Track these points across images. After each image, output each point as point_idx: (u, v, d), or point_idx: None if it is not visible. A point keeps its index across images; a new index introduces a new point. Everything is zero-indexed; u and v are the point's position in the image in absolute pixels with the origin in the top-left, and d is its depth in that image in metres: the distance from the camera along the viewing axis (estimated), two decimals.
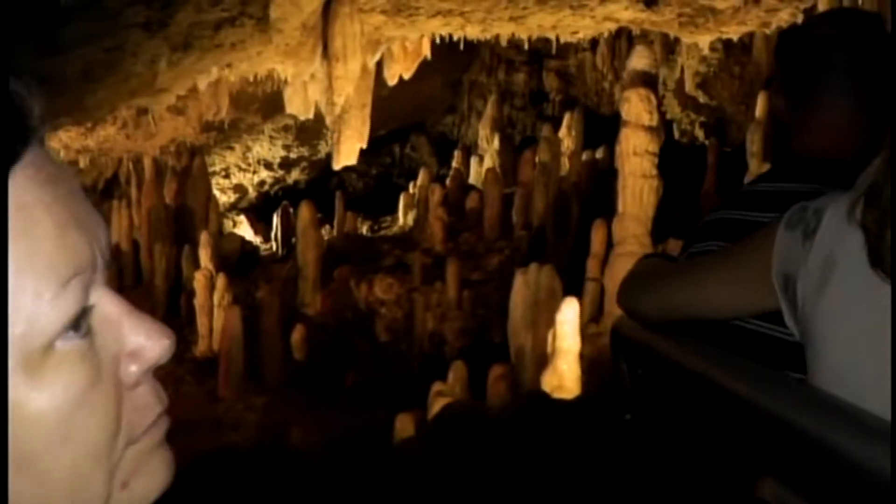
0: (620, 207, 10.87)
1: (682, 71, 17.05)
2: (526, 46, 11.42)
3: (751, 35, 17.40)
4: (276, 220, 16.38)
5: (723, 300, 1.03)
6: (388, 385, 12.58)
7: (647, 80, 10.57)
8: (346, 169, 19.82)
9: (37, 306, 0.40)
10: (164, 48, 7.34)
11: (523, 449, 5.52)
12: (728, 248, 1.07)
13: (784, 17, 7.46)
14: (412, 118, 18.90)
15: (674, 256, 1.41)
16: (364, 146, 9.48)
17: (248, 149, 17.14)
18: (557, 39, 9.05)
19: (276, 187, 18.35)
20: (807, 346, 0.91)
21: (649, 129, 10.39)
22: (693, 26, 7.73)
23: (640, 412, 1.25)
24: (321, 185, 18.82)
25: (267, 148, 17.14)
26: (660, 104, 17.93)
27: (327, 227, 17.02)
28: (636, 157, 10.47)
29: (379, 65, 8.58)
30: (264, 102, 14.02)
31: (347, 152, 9.18)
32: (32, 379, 0.40)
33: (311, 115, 9.32)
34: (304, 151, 17.57)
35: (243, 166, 17.58)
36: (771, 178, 1.33)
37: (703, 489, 1.07)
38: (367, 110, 9.01)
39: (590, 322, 11.29)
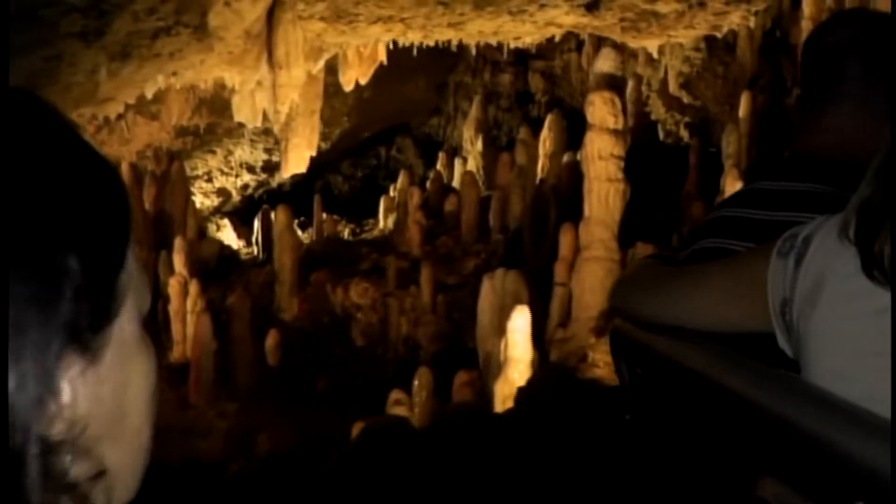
0: (587, 211, 10.75)
1: (666, 71, 16.89)
2: (512, 46, 11.36)
3: (734, 34, 17.30)
4: (256, 223, 16.31)
5: (713, 318, 1.06)
6: (362, 390, 12.50)
7: (613, 83, 10.44)
8: (332, 171, 19.79)
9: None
10: (102, 57, 7.28)
11: (442, 466, 5.43)
12: (723, 265, 1.10)
13: (735, 21, 7.33)
14: (397, 120, 18.81)
15: (674, 257, 1.40)
16: (314, 154, 9.40)
17: (230, 152, 17.10)
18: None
19: (259, 190, 18.30)
20: (801, 361, 0.93)
21: (614, 132, 10.26)
22: (636, 31, 7.60)
23: (640, 412, 1.26)
24: (306, 187, 18.76)
25: (248, 151, 17.09)
26: (644, 105, 17.84)
27: (311, 230, 16.98)
28: (601, 160, 10.35)
29: (334, 70, 8.57)
30: None
31: (296, 160, 9.10)
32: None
33: (259, 124, 9.25)
34: None
35: (226, 170, 17.54)
36: (773, 177, 1.33)
37: (703, 489, 1.07)
38: (317, 118, 8.93)
39: (558, 327, 11.18)
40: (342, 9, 6.93)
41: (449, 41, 8.43)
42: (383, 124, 18.55)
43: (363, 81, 9.45)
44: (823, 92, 1.30)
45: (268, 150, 17.17)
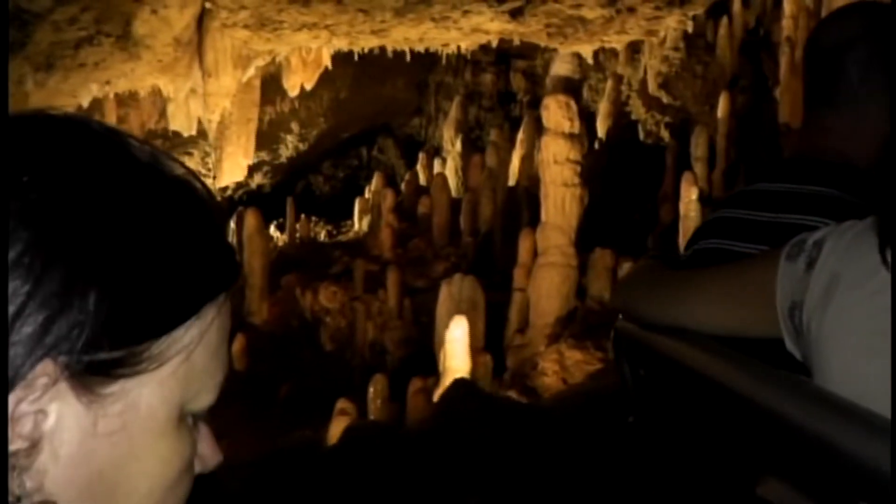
0: (543, 217, 10.63)
1: (646, 71, 16.67)
2: (494, 45, 11.21)
3: (715, 33, 17.07)
4: (232, 225, 16.24)
5: (716, 323, 1.06)
6: (327, 395, 12.41)
7: (569, 87, 10.29)
8: (313, 172, 19.73)
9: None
10: (27, 68, 7.21)
11: (349, 485, 5.33)
12: (727, 270, 1.10)
13: (671, 24, 7.17)
14: (377, 120, 18.72)
15: (675, 258, 1.41)
16: (250, 162, 9.29)
17: (207, 154, 17.04)
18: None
19: (239, 192, 18.26)
20: (811, 363, 0.93)
21: (570, 136, 10.11)
22: (562, 37, 7.44)
23: (643, 413, 1.26)
24: (288, 188, 18.71)
25: None
26: (625, 105, 17.64)
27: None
28: (557, 165, 10.21)
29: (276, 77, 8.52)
30: None
31: (231, 169, 9.01)
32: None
33: (194, 132, 9.16)
34: (264, 156, 17.44)
35: (204, 172, 17.47)
36: (772, 178, 1.32)
37: (706, 489, 1.08)
38: (253, 126, 8.83)
39: (516, 333, 11.06)
40: (266, 16, 6.83)
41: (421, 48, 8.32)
42: (363, 124, 18.46)
43: (308, 86, 9.35)
44: (822, 93, 1.29)
45: None
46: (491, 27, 7.21)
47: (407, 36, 7.48)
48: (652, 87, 16.62)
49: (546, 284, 10.19)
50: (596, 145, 16.64)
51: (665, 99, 16.60)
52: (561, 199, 10.22)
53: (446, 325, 10.93)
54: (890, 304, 0.80)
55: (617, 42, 8.18)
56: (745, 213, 1.28)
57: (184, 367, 0.50)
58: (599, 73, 18.56)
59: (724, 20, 16.55)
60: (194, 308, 0.50)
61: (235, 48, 7.37)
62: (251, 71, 8.25)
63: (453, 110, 17.79)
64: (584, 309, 10.28)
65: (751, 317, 1.01)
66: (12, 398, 0.45)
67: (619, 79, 17.42)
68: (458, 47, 14.71)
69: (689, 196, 9.32)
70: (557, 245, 10.19)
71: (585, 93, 17.91)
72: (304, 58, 8.63)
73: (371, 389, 10.45)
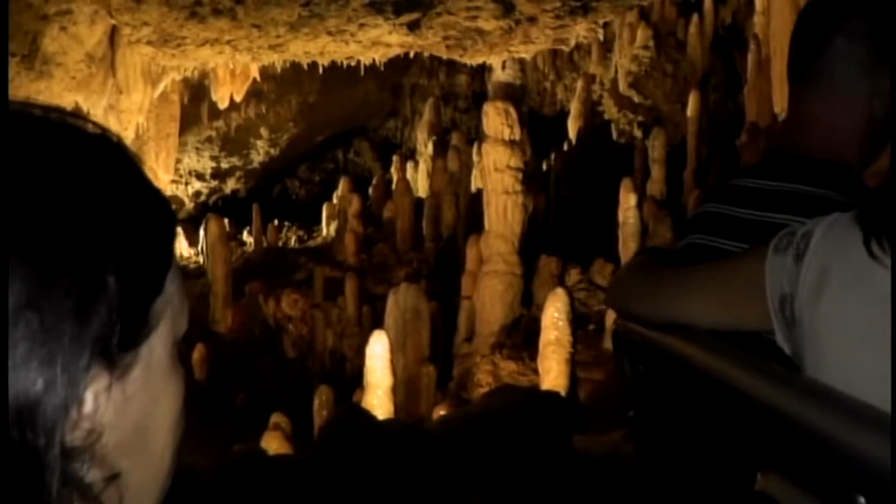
0: (486, 225, 10.51)
1: (617, 70, 16.49)
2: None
3: (685, 31, 16.84)
4: (202, 232, 16.22)
5: (708, 319, 1.07)
6: (286, 404, 12.35)
7: (510, 93, 10.15)
8: (289, 176, 19.67)
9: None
10: None
11: None
12: (716, 266, 1.10)
13: (581, 32, 7.01)
14: (352, 123, 18.62)
15: (669, 251, 1.39)
16: (171, 178, 9.22)
17: (178, 160, 17.02)
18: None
19: (213, 197, 18.23)
20: (804, 355, 0.93)
21: (510, 143, 9.97)
22: (462, 49, 7.31)
23: (643, 409, 1.27)
24: (264, 192, 18.67)
25: (196, 159, 17.02)
26: (597, 104, 17.45)
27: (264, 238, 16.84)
28: (497, 172, 10.08)
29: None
30: None
31: None
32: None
33: None
34: (236, 161, 17.41)
35: (175, 178, 17.46)
36: (758, 175, 1.29)
37: (705, 483, 1.08)
38: (173, 140, 8.75)
39: (464, 341, 10.95)
40: (168, 32, 6.75)
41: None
42: (338, 127, 18.37)
43: (238, 98, 9.26)
44: (807, 75, 1.24)
45: (214, 158, 17.09)
46: (391, 40, 7.09)
47: (307, 50, 7.38)
48: (622, 86, 16.45)
49: (489, 293, 10.08)
50: (565, 146, 16.49)
51: (636, 98, 16.43)
52: (503, 207, 10.08)
53: (393, 335, 10.85)
54: (883, 296, 0.81)
55: (525, 52, 8.04)
56: (730, 210, 1.26)
57: (170, 308, 0.54)
58: (574, 73, 18.42)
59: (695, 18, 16.38)
60: (169, 255, 0.54)
61: (145, 64, 7.31)
62: (161, 87, 8.20)
63: (426, 112, 17.67)
64: (528, 317, 10.15)
65: (742, 310, 1.01)
66: (74, 409, 0.48)
67: (591, 78, 17.25)
68: None
69: (628, 202, 9.16)
70: (500, 253, 10.07)
71: (536, 97, 17.78)
72: (233, 70, 8.56)
73: (316, 401, 10.37)
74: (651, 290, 1.20)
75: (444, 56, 8.04)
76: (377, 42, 7.11)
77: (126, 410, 0.51)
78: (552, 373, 7.60)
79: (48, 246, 0.47)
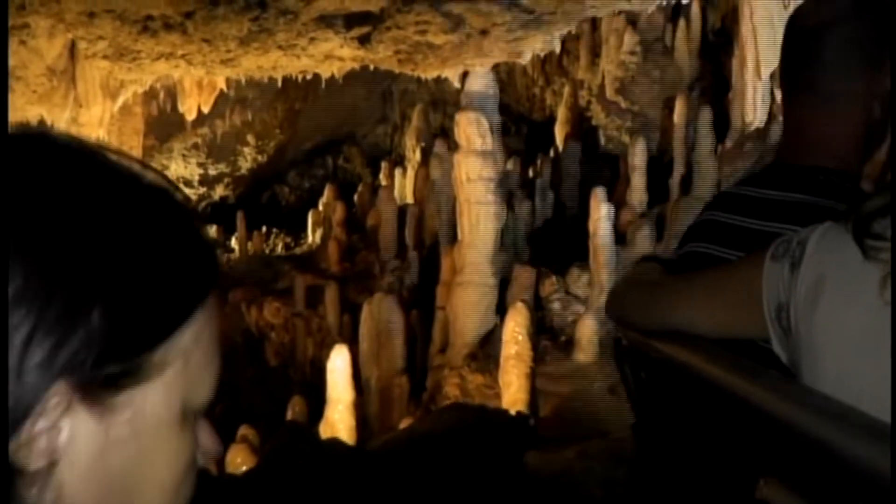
0: (459, 235, 10.46)
1: (604, 76, 16.42)
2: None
3: (673, 36, 16.74)
4: None
5: (708, 327, 1.07)
6: (264, 414, 12.33)
7: (483, 103, 10.09)
8: (279, 182, 19.65)
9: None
10: None
11: None
12: (713, 275, 1.11)
13: (538, 46, 6.95)
14: (341, 129, 18.59)
15: (668, 260, 1.40)
16: None
17: (165, 167, 17.02)
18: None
19: (203, 203, 18.22)
20: (800, 363, 0.93)
21: (482, 153, 9.92)
22: (413, 63, 7.26)
23: (644, 416, 1.27)
24: (254, 198, 18.66)
25: (183, 166, 17.02)
26: (585, 110, 17.37)
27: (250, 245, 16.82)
28: (470, 182, 10.03)
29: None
30: (153, 126, 13.83)
31: None
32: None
33: None
34: (223, 167, 17.42)
35: None
36: (759, 184, 1.29)
37: (709, 491, 1.08)
38: (136, 154, 8.69)
39: (438, 353, 10.89)
40: (123, 45, 6.73)
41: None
42: (325, 134, 18.35)
43: (206, 109, 9.24)
44: (802, 78, 1.23)
45: (201, 165, 17.09)
46: (343, 53, 7.05)
47: (259, 64, 7.36)
48: (609, 91, 16.37)
49: (462, 303, 10.02)
50: (552, 153, 16.42)
51: (623, 104, 16.35)
52: (476, 218, 10.03)
53: (367, 346, 10.81)
54: (881, 305, 0.81)
55: (480, 65, 7.98)
56: (729, 218, 1.26)
57: (183, 368, 0.53)
58: (563, 78, 18.34)
59: (682, 23, 16.28)
60: (188, 311, 0.53)
61: (103, 78, 7.30)
62: (121, 101, 8.18)
63: (415, 119, 17.63)
64: (501, 328, 10.09)
65: (740, 319, 1.01)
66: (29, 422, 0.47)
67: (579, 84, 17.18)
68: None
69: (598, 213, 9.08)
70: (472, 263, 10.01)
71: (525, 102, 17.70)
72: (200, 81, 8.54)
73: (289, 412, 10.34)
74: (650, 298, 1.21)
75: (396, 70, 8.00)
76: (330, 56, 7.07)
77: (107, 457, 0.49)
78: (513, 387, 7.54)
79: (44, 258, 0.47)
